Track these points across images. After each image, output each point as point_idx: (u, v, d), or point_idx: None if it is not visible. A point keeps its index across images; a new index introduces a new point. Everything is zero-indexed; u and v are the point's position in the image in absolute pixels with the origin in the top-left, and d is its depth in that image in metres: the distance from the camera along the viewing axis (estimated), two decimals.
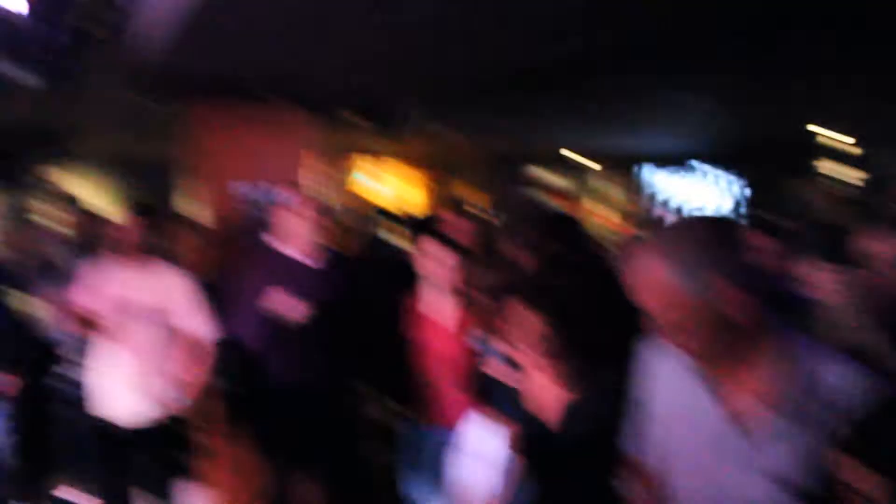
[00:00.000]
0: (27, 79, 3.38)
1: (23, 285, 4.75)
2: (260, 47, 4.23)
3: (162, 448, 3.44)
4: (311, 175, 6.38)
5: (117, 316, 3.33)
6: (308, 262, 3.39)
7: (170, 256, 3.56)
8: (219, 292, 3.49)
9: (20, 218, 8.19)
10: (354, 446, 3.51)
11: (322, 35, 4.06)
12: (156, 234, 3.42)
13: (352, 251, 4.67)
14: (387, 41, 4.24)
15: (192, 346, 3.38)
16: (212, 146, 6.01)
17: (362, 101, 6.16)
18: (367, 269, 3.95)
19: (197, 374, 3.38)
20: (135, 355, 3.35)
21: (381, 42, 4.25)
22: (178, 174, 6.73)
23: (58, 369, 3.95)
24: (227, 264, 3.96)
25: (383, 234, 5.42)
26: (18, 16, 3.18)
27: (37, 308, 4.93)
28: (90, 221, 4.83)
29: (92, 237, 4.54)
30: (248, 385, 3.39)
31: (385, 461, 3.38)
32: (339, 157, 8.85)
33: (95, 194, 6.98)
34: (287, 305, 3.18)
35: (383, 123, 6.47)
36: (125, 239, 3.36)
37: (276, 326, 3.19)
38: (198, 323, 3.40)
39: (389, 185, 9.75)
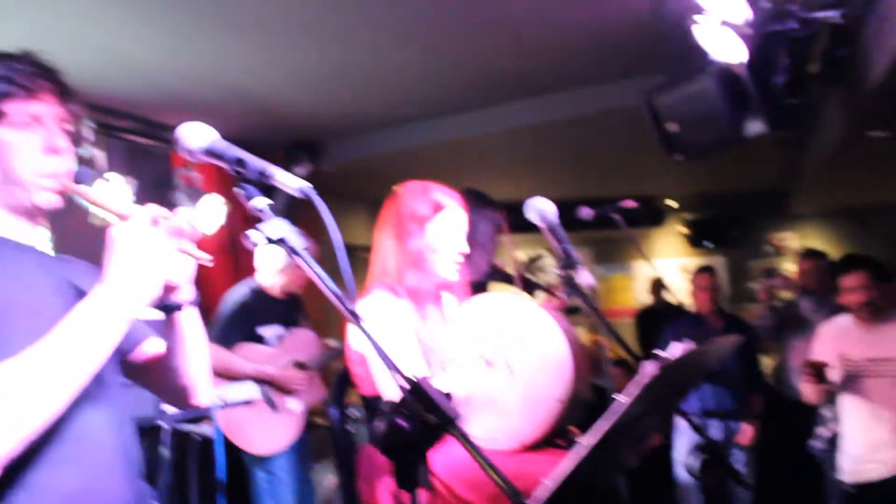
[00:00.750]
0: (752, 131, 3.37)
1: (766, 337, 4.90)
2: None
3: None
4: None
5: (862, 371, 3.20)
6: None
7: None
8: None
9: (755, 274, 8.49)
10: None
11: None
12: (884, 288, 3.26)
13: None
14: None
15: None
16: None
17: None
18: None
19: None
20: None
21: None
22: None
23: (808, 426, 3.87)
24: None
25: None
26: (738, 66, 3.17)
27: (779, 360, 5.02)
28: (823, 273, 4.72)
29: (826, 289, 4.44)
30: None
31: None
32: None
33: (821, 244, 6.69)
34: None
35: None
36: (855, 293, 3.27)
37: None
38: None
39: None
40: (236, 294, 3.79)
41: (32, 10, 3.20)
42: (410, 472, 1.10)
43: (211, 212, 4.75)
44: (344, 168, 5.66)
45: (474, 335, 2.13)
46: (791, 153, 5.82)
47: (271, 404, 3.56)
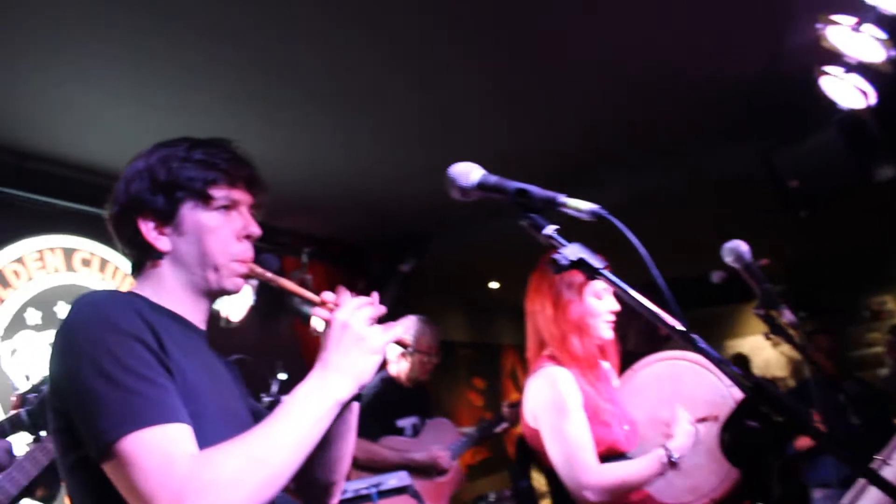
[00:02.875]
0: (883, 176, 3.35)
1: None
2: None
3: None
4: None
5: None
6: None
7: None
8: None
9: None
10: None
11: None
12: None
13: None
14: None
15: None
16: None
17: None
18: None
19: None
20: None
21: None
22: None
23: None
24: None
25: None
26: (864, 111, 3.19)
27: None
28: None
29: None
30: None
31: None
32: None
33: None
34: None
35: None
36: None
37: None
38: None
39: None
40: (368, 385, 3.78)
41: (159, 113, 3.41)
42: (763, 479, 1.05)
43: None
44: (441, 265, 5.72)
45: (662, 397, 2.15)
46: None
47: (417, 497, 3.49)
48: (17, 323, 3.67)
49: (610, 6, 2.96)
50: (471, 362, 7.71)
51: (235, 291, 1.36)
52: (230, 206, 1.34)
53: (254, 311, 4.18)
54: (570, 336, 2.17)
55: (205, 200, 1.32)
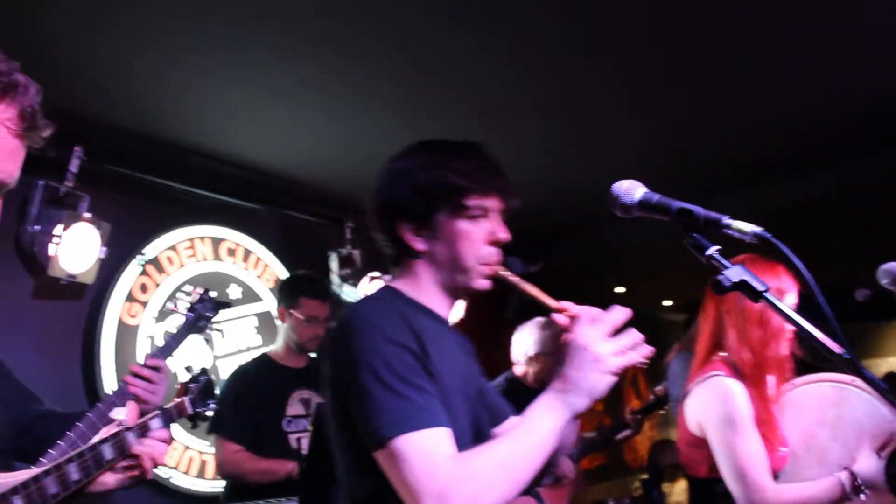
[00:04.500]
0: None
1: None
2: None
3: None
4: None
5: None
6: None
7: None
8: None
9: None
10: None
11: None
12: None
13: None
14: None
15: None
16: None
17: None
18: None
19: None
20: None
21: None
22: None
23: None
24: None
25: None
26: None
27: None
28: None
29: None
30: None
31: None
32: None
33: None
34: None
35: None
36: None
37: None
38: None
39: None
40: (495, 386, 3.82)
41: (312, 113, 3.56)
42: None
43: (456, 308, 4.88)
44: (567, 268, 5.69)
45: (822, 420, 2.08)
46: None
47: (538, 498, 3.50)
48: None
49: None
50: None
51: (481, 291, 1.47)
52: (482, 214, 1.44)
53: None
54: (770, 343, 2.09)
55: (461, 209, 1.43)
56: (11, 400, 1.89)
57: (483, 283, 1.46)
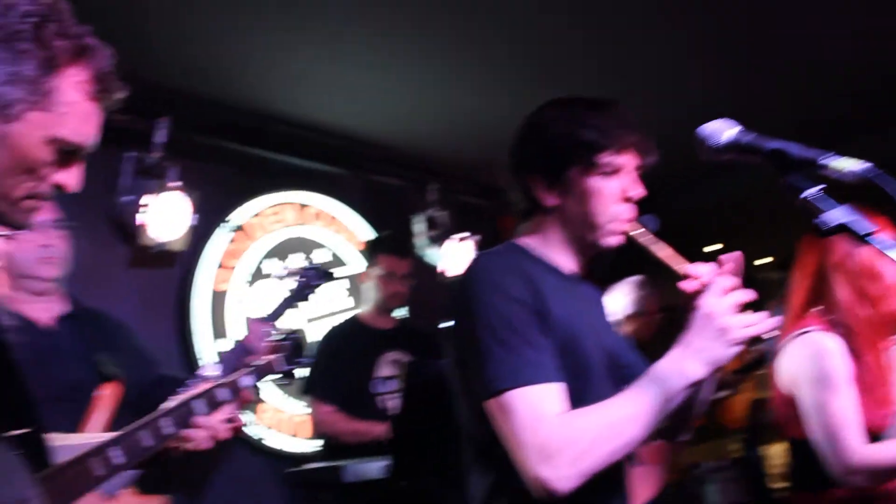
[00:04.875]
0: None
1: None
2: None
3: None
4: None
5: None
6: None
7: None
8: None
9: None
10: None
11: None
12: None
13: None
14: None
15: None
16: None
17: None
18: None
19: None
20: None
21: None
22: None
23: None
24: None
25: None
26: None
27: None
28: None
29: None
30: None
31: None
32: None
33: None
34: None
35: None
36: None
37: None
38: None
39: None
40: None
41: (397, 78, 3.55)
42: None
43: None
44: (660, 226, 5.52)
45: None
46: None
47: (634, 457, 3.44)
48: (257, 273, 4.04)
49: None
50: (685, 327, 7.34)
51: (613, 248, 1.45)
52: (615, 171, 1.42)
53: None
54: (888, 298, 1.96)
55: (593, 166, 1.41)
56: (134, 365, 2.11)
57: (614, 241, 1.44)
